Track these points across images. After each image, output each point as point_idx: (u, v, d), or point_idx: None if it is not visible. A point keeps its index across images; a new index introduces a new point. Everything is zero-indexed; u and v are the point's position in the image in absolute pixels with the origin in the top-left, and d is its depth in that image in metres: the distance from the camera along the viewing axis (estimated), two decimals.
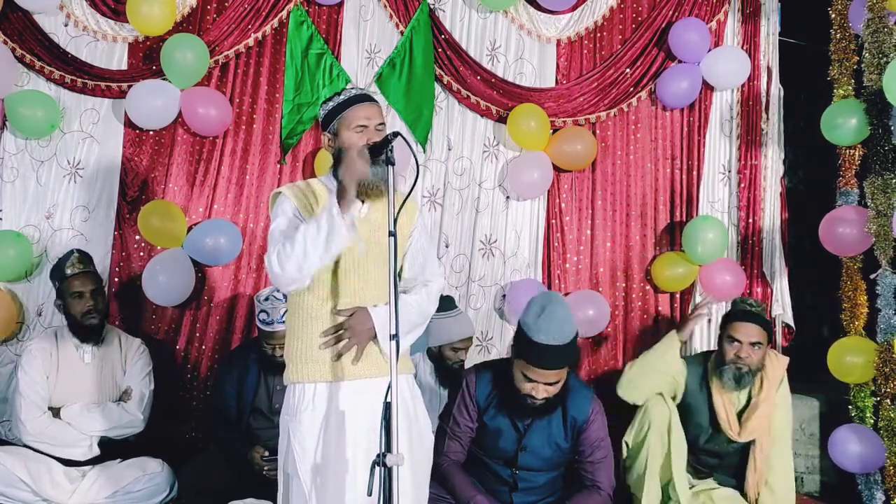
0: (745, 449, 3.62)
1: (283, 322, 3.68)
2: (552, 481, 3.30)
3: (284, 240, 2.51)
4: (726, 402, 3.58)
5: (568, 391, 3.17)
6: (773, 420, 3.59)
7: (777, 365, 3.66)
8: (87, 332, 3.85)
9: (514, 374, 3.11)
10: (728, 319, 3.64)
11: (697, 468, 3.73)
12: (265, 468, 3.64)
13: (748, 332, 3.52)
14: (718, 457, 3.68)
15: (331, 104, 2.67)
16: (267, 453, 3.65)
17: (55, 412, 3.76)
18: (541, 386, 3.04)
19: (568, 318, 3.04)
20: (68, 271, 3.84)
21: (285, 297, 3.75)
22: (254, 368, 3.87)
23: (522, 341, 3.07)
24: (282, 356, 3.68)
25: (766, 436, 3.57)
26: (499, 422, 3.21)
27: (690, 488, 3.62)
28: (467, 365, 3.81)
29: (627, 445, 3.68)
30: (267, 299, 3.75)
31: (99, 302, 3.86)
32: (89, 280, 3.86)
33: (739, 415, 3.61)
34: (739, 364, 3.53)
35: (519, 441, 3.20)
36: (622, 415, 3.76)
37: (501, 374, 3.22)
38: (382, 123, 2.64)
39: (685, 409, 3.58)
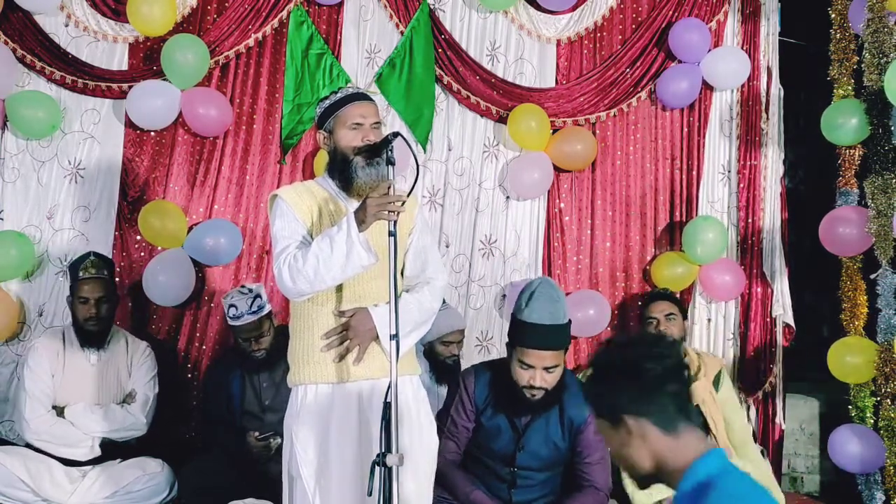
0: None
1: (254, 312, 3.72)
2: (550, 480, 3.28)
3: (295, 251, 2.49)
4: None
5: (564, 389, 3.15)
6: (732, 420, 3.72)
7: (713, 361, 3.90)
8: (87, 336, 3.86)
9: (512, 367, 3.07)
10: (642, 307, 4.20)
11: None
12: (262, 446, 3.70)
13: (660, 307, 4.04)
14: None
15: (327, 102, 2.66)
16: (257, 433, 3.71)
17: (59, 411, 3.77)
18: (538, 373, 3.01)
19: (559, 297, 3.05)
20: (80, 274, 3.84)
21: (251, 289, 3.78)
22: (237, 374, 3.89)
23: (516, 328, 3.07)
24: (260, 351, 3.77)
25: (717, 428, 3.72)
26: (496, 422, 3.18)
27: None
28: (466, 365, 3.80)
29: None
30: (232, 296, 3.80)
31: (102, 310, 3.85)
32: (98, 287, 3.84)
33: None
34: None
35: (517, 441, 3.18)
36: None
37: (500, 373, 3.19)
38: (378, 122, 2.63)
39: None
